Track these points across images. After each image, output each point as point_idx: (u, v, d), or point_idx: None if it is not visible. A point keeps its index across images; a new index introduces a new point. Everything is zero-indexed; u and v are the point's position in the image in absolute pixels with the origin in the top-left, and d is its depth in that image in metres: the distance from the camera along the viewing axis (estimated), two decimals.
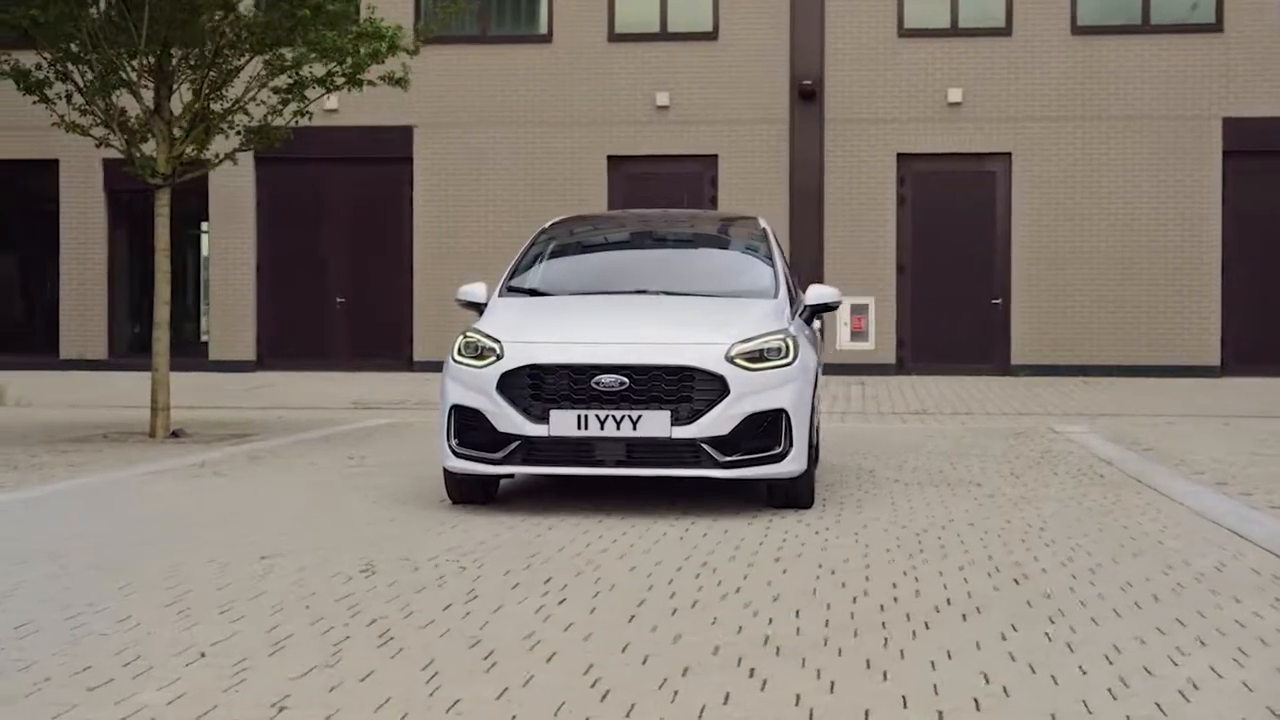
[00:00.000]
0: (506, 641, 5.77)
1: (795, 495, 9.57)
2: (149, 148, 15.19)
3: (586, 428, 9.06)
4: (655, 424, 9.02)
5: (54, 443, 14.02)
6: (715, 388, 9.10)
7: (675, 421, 9.04)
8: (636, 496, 10.02)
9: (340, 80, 15.24)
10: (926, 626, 6.11)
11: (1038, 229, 25.29)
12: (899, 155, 25.59)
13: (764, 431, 9.20)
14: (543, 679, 5.21)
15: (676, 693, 5.04)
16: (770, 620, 6.20)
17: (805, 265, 25.47)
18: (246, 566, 7.41)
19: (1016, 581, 7.13)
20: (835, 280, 25.43)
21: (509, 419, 9.18)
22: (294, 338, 26.84)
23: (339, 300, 26.70)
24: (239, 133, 15.33)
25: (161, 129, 14.78)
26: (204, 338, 27.31)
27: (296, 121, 15.49)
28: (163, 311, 14.97)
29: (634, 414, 9.03)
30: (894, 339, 25.57)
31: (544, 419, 9.11)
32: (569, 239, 11.20)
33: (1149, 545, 8.25)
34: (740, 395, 9.14)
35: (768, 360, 9.31)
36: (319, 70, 15.37)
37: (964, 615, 6.34)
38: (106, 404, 19.50)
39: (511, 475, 9.56)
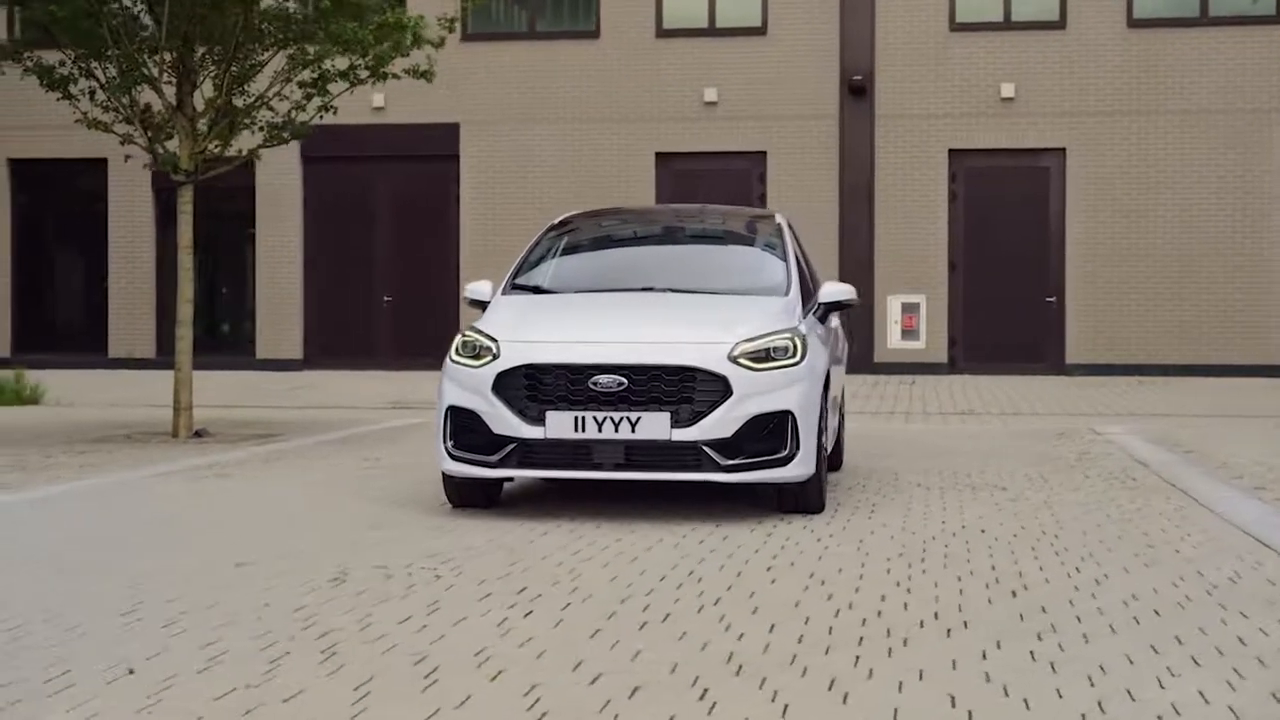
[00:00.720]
0: (455, 658, 5.47)
1: (804, 500, 9.24)
2: (173, 145, 14.97)
3: (584, 430, 8.76)
4: (654, 426, 8.71)
5: (74, 443, 13.86)
6: (717, 388, 8.78)
7: (675, 423, 8.73)
8: (642, 501, 9.71)
9: (364, 74, 14.97)
10: (905, 643, 5.77)
11: (1093, 226, 24.79)
12: (951, 151, 25.16)
13: (769, 434, 8.87)
14: (480, 699, 4.91)
15: (616, 716, 4.73)
16: (740, 636, 5.88)
17: (855, 263, 25.09)
18: (216, 574, 7.16)
19: (1014, 594, 6.78)
20: (885, 279, 25.07)
21: (505, 420, 8.89)
22: (341, 337, 26.69)
23: (386, 299, 26.54)
24: (261, 128, 15.08)
25: (184, 125, 14.58)
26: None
27: (321, 116, 15.23)
28: (185, 310, 14.78)
29: (632, 416, 8.72)
30: (945, 338, 25.15)
31: (540, 420, 8.82)
32: (577, 235, 10.89)
33: (1165, 554, 7.87)
34: (744, 396, 8.82)
35: (774, 360, 8.98)
36: (342, 64, 15.10)
37: (948, 630, 6.00)
38: (145, 403, 19.38)
39: (510, 479, 9.28)
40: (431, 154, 26.40)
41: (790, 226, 10.97)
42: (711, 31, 25.78)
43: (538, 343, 9.05)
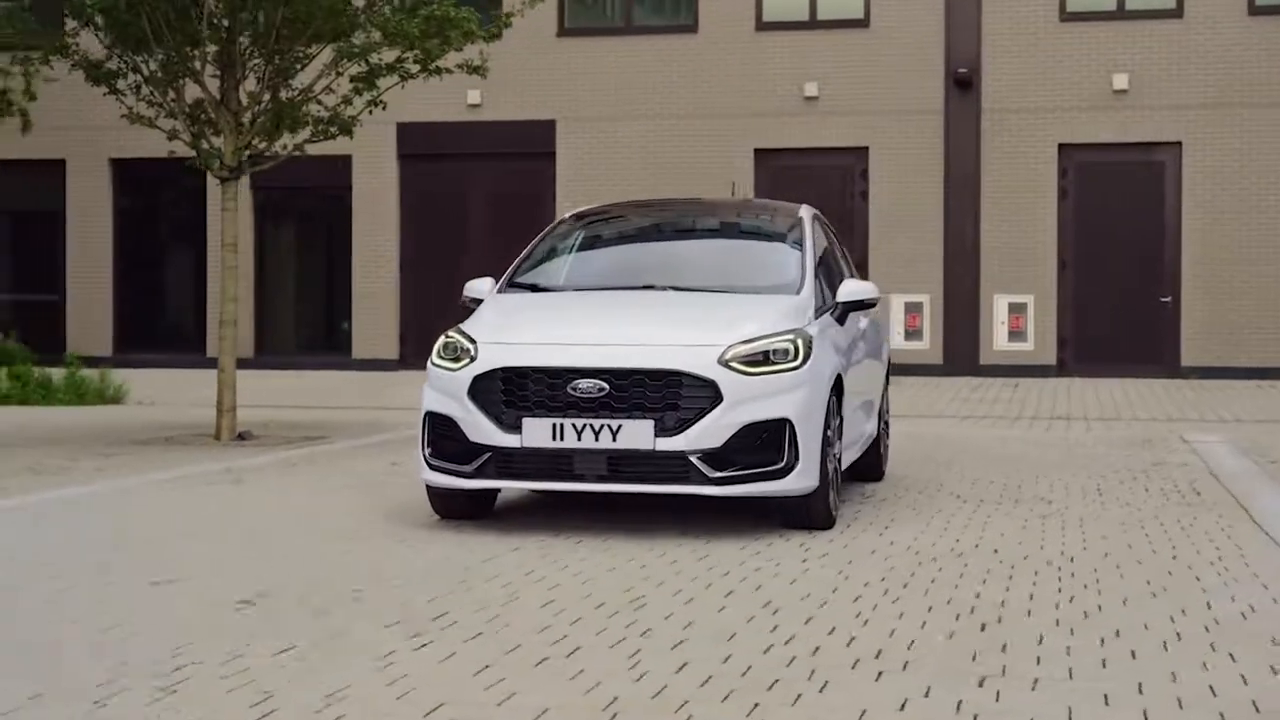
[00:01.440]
0: (299, 702, 4.90)
1: (808, 515, 8.57)
2: (218, 141, 14.58)
3: (562, 438, 8.16)
4: (637, 434, 8.09)
5: (114, 444, 13.51)
6: (706, 394, 8.13)
7: (660, 432, 8.09)
8: (646, 514, 9.08)
9: (414, 68, 14.48)
10: (822, 688, 5.11)
11: (1210, 222, 23.69)
12: (1061, 146, 24.17)
13: (764, 444, 8.21)
14: None
15: None
16: (641, 676, 5.25)
17: (960, 262, 24.25)
18: (130, 592, 6.66)
19: (982, 627, 6.08)
20: (993, 277, 24.19)
21: (481, 428, 8.32)
22: (435, 336, 26.27)
23: None
24: (307, 123, 14.64)
25: (228, 120, 14.17)
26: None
27: (370, 111, 14.76)
28: (229, 309, 14.40)
29: (613, 423, 8.10)
30: (1054, 339, 24.17)
31: (517, 428, 8.24)
32: (585, 230, 10.28)
33: (1181, 583, 7.11)
34: (735, 403, 8.16)
35: (773, 363, 8.31)
36: (389, 57, 14.61)
37: (880, 673, 5.32)
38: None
39: (498, 489, 8.72)
40: (527, 151, 25.91)
41: (818, 221, 10.27)
42: (812, 24, 25.03)
43: (515, 344, 8.47)
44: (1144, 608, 6.50)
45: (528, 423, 8.20)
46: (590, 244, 10.14)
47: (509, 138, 25.93)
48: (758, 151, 25.08)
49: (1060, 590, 6.87)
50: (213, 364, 26.57)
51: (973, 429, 15.81)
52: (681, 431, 8.08)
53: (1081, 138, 24.11)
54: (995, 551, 7.95)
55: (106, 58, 14.56)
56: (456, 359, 8.55)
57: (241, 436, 14.18)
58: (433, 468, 8.57)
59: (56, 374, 20.58)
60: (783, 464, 8.22)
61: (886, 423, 11.50)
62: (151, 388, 20.94)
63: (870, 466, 10.96)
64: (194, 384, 22.55)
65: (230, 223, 14.42)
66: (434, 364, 8.65)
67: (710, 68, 25.22)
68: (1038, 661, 5.50)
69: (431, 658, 5.49)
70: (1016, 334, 24.25)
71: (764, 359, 8.32)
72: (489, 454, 8.31)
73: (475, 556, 7.68)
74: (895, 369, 24.09)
